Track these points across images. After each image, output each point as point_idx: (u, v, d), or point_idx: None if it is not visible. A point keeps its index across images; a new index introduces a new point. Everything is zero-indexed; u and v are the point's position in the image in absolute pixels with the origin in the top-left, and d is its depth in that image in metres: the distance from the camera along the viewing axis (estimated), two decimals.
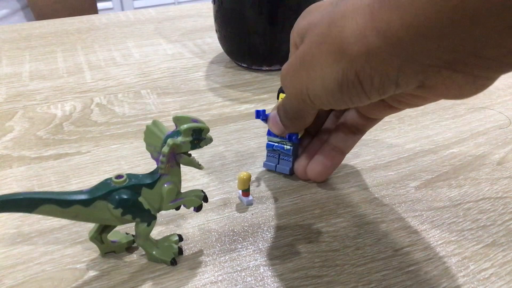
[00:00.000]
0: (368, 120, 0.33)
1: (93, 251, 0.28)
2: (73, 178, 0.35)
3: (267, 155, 0.35)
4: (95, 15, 0.76)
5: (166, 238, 0.28)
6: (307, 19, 0.26)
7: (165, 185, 0.25)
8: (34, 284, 0.26)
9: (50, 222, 0.31)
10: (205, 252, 0.28)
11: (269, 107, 0.45)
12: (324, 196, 0.33)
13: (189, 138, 0.24)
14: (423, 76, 0.21)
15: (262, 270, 0.27)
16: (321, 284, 0.26)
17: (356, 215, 0.31)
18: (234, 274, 0.27)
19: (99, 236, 0.27)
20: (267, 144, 0.34)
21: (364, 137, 0.40)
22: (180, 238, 0.28)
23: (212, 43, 0.61)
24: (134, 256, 0.28)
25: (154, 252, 0.27)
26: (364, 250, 0.29)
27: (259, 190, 0.34)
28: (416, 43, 0.19)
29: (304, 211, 0.32)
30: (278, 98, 0.35)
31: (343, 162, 0.36)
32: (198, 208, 0.27)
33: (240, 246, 0.29)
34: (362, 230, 0.30)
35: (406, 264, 0.28)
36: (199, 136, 0.25)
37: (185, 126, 0.24)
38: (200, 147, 0.25)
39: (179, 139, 0.24)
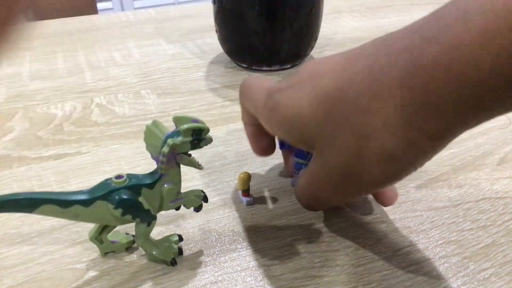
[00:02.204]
0: None
1: (93, 251, 0.28)
2: (73, 178, 0.35)
3: (294, 174, 0.34)
4: (95, 15, 0.76)
5: (166, 238, 0.28)
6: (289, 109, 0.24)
7: (165, 185, 0.25)
8: (34, 284, 0.26)
9: (50, 222, 0.31)
10: (205, 252, 0.28)
11: None
12: None
13: (189, 138, 0.24)
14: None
15: (262, 270, 0.27)
16: (321, 284, 0.26)
17: (356, 215, 0.31)
18: (234, 274, 0.27)
19: (99, 236, 0.27)
20: (295, 164, 0.33)
21: None
22: (180, 238, 0.28)
23: (212, 43, 0.61)
24: (134, 256, 0.28)
25: (154, 252, 0.27)
26: (364, 250, 0.29)
27: (259, 190, 0.34)
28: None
29: (304, 211, 0.32)
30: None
31: None
32: (198, 208, 0.27)
33: (240, 246, 0.29)
34: (362, 230, 0.30)
35: (406, 264, 0.28)
36: (199, 136, 0.25)
37: (185, 126, 0.24)
38: (200, 147, 0.25)
39: (179, 139, 0.24)
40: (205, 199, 0.27)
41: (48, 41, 0.63)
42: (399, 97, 0.19)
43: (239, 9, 0.48)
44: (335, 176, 0.23)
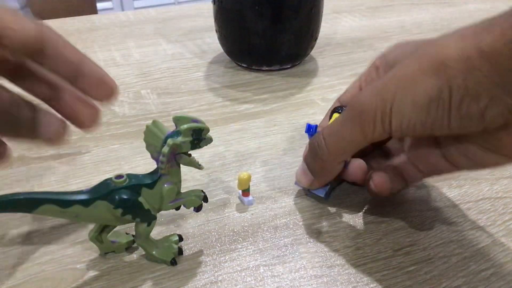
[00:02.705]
0: (419, 173, 0.30)
1: (93, 251, 0.28)
2: (73, 178, 0.35)
3: None
4: (95, 15, 0.76)
5: (166, 238, 0.28)
6: (398, 50, 0.29)
7: (165, 185, 0.25)
8: (34, 284, 0.26)
9: (50, 222, 0.31)
10: (205, 252, 0.28)
11: (268, 107, 0.45)
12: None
13: (189, 138, 0.24)
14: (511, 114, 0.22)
15: (262, 270, 0.27)
16: (321, 284, 0.26)
17: (356, 215, 0.31)
18: (234, 274, 0.27)
19: (99, 236, 0.27)
20: None
21: None
22: (180, 238, 0.28)
23: (212, 43, 0.61)
24: (134, 256, 0.28)
25: (154, 252, 0.27)
26: (364, 250, 0.29)
27: (259, 190, 0.34)
28: None
29: (304, 211, 0.32)
30: (330, 118, 0.33)
31: None
32: (198, 208, 0.27)
33: (240, 246, 0.29)
34: (362, 230, 0.30)
35: (406, 264, 0.28)
36: (199, 136, 0.25)
37: (185, 126, 0.24)
38: (200, 147, 0.25)
39: (179, 139, 0.24)
40: (205, 199, 0.27)
41: None
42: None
43: (239, 9, 0.48)
44: (390, 79, 0.24)
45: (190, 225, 0.30)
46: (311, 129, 0.33)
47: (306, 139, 0.37)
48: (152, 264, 0.27)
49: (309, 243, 0.29)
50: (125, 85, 0.50)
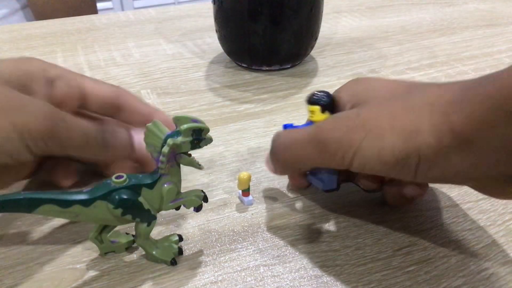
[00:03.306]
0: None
1: (93, 251, 0.28)
2: None
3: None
4: (95, 15, 0.76)
5: (166, 238, 0.28)
6: (365, 85, 0.28)
7: (165, 185, 0.25)
8: (34, 284, 0.26)
9: (50, 222, 0.31)
10: (205, 252, 0.28)
11: (268, 107, 0.45)
12: (324, 196, 0.33)
13: (189, 138, 0.24)
14: (477, 185, 0.23)
15: (262, 270, 0.27)
16: (321, 284, 0.26)
17: (356, 215, 0.31)
18: (234, 274, 0.27)
19: (99, 236, 0.27)
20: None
21: None
22: (180, 238, 0.28)
23: (212, 43, 0.61)
24: (134, 256, 0.28)
25: (154, 252, 0.27)
26: (364, 250, 0.29)
27: (259, 190, 0.34)
28: (486, 145, 0.20)
29: (304, 211, 0.32)
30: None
31: None
32: (198, 208, 0.27)
33: (240, 246, 0.29)
34: (362, 230, 0.30)
35: (406, 264, 0.28)
36: (199, 136, 0.25)
37: (185, 126, 0.24)
38: (200, 147, 0.25)
39: (179, 139, 0.24)
40: (205, 199, 0.27)
41: (48, 41, 0.63)
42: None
43: (239, 9, 0.48)
44: (359, 122, 0.24)
45: (190, 225, 0.30)
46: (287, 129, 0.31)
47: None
48: (152, 264, 0.27)
49: (309, 243, 0.29)
50: (125, 85, 0.50)
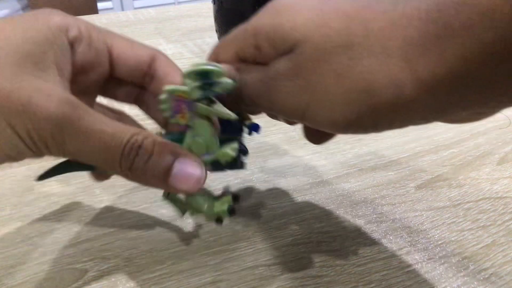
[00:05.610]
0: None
1: (93, 251, 0.28)
2: (73, 178, 0.35)
3: None
4: (95, 15, 0.76)
5: (220, 198, 0.26)
6: (290, 21, 0.20)
7: (193, 138, 0.23)
8: (34, 284, 0.26)
9: (50, 222, 0.31)
10: (205, 252, 0.28)
11: None
12: (324, 196, 0.33)
13: (196, 83, 0.21)
14: (442, 119, 0.20)
15: (262, 270, 0.27)
16: (321, 284, 0.26)
17: (356, 215, 0.31)
18: (234, 274, 0.27)
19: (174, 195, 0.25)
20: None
21: (364, 136, 0.40)
22: (236, 199, 0.26)
23: (212, 43, 0.61)
24: (134, 256, 0.28)
25: (204, 207, 0.25)
26: (364, 250, 0.29)
27: (259, 190, 0.34)
28: (457, 94, 0.17)
29: (304, 211, 0.32)
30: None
31: (343, 161, 0.36)
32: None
33: (240, 246, 0.29)
34: (362, 230, 0.30)
35: (406, 264, 0.28)
36: (208, 80, 0.21)
37: (187, 69, 0.21)
38: (216, 92, 0.21)
39: (181, 86, 0.22)
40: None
41: None
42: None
43: (239, 9, 0.48)
44: (296, 75, 0.20)
45: (190, 225, 0.30)
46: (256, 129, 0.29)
47: (305, 139, 0.37)
48: (152, 264, 0.27)
49: (309, 243, 0.29)
50: None
